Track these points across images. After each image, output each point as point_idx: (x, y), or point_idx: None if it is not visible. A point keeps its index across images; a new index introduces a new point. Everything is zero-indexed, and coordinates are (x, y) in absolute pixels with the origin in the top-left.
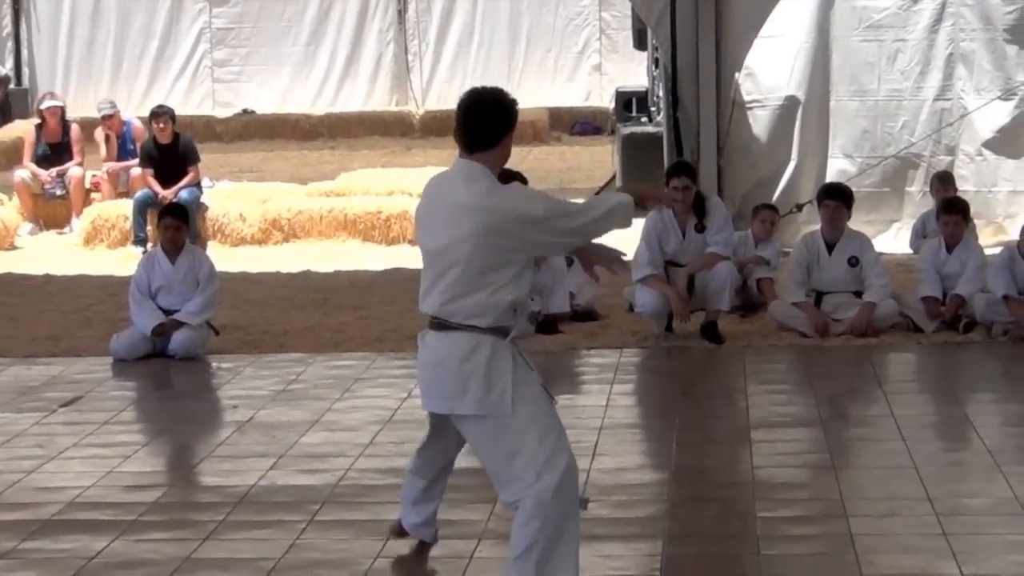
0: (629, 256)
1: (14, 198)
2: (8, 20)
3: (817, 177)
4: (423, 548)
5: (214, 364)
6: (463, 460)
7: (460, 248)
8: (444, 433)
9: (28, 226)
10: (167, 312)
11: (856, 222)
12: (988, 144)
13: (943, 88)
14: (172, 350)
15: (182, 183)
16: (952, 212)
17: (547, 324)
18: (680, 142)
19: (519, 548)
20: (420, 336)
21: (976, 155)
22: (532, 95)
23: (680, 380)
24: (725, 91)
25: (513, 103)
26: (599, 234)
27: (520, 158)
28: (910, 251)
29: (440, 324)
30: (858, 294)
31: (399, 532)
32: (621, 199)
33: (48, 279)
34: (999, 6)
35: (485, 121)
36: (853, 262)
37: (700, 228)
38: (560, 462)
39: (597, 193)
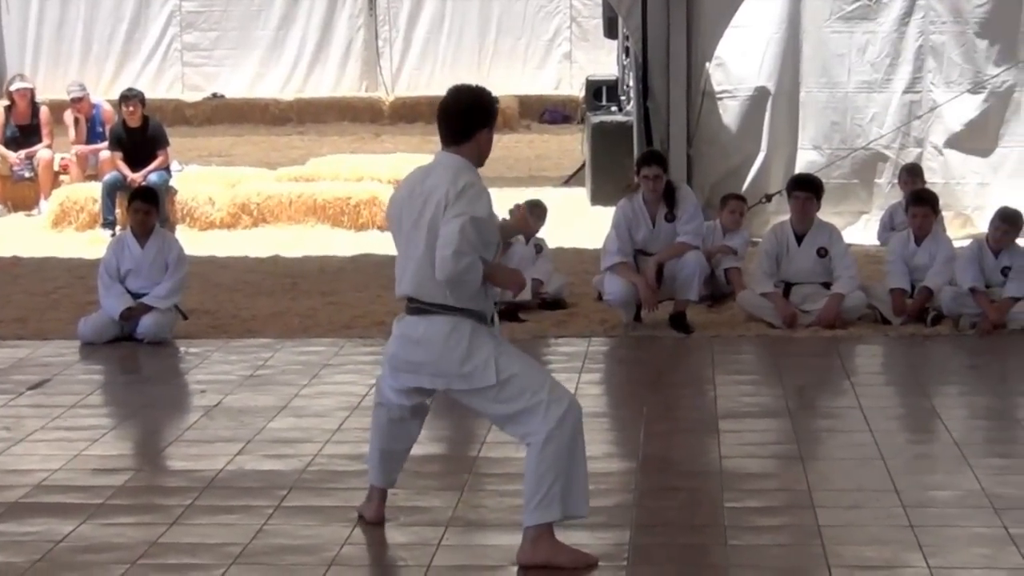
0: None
1: None
2: None
3: (786, 168)
4: (391, 534)
5: (182, 348)
6: (430, 447)
7: (422, 229)
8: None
9: None
10: (135, 296)
11: (825, 213)
12: (957, 137)
13: (913, 81)
14: (140, 334)
15: (151, 167)
16: (921, 204)
17: (509, 312)
18: (650, 131)
19: (540, 488)
20: (397, 320)
21: (945, 148)
22: (502, 82)
23: (648, 369)
24: (695, 81)
25: (490, 100)
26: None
27: None
28: (878, 243)
29: (418, 308)
30: (827, 285)
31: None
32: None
33: (16, 261)
34: None
35: (460, 116)
36: (822, 253)
37: (670, 217)
38: (563, 396)
39: (567, 181)
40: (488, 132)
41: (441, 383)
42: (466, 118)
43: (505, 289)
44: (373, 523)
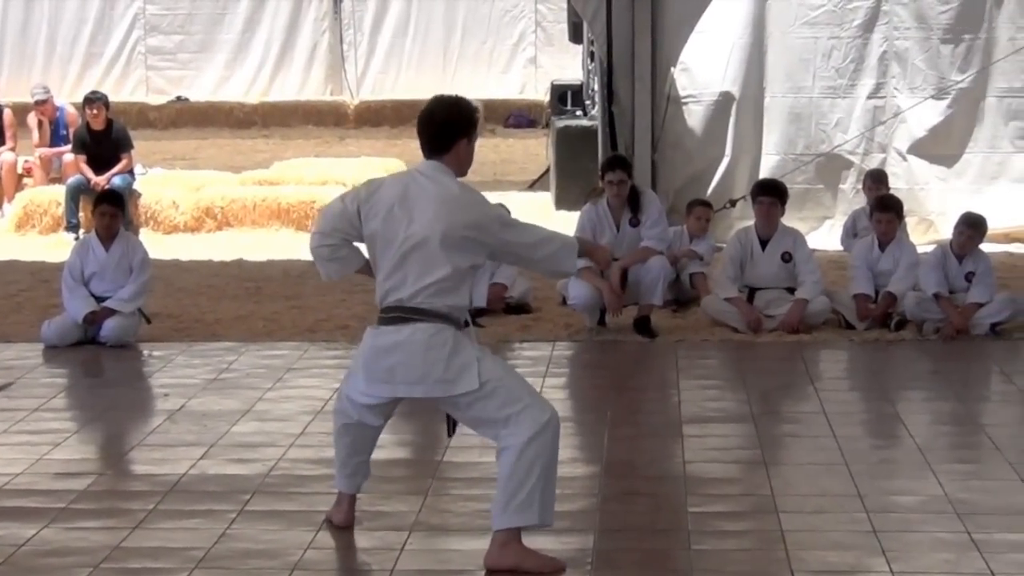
0: None
1: None
2: None
3: (751, 173)
4: (355, 539)
5: (145, 352)
6: (394, 451)
7: (435, 235)
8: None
9: None
10: (99, 299)
11: (789, 218)
12: (921, 142)
13: (877, 86)
14: (103, 337)
15: (115, 170)
16: (885, 210)
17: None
18: (615, 136)
19: (520, 491)
20: (371, 331)
21: (909, 153)
22: (467, 87)
23: (612, 374)
24: (660, 86)
25: (470, 111)
26: (550, 261)
27: None
28: (842, 248)
29: (398, 317)
30: (791, 290)
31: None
32: (569, 239)
33: None
34: (934, 5)
35: (440, 126)
36: (786, 258)
37: (634, 222)
38: (546, 404)
39: (531, 185)
40: (468, 143)
41: (420, 390)
42: (446, 129)
43: (597, 264)
44: (342, 527)
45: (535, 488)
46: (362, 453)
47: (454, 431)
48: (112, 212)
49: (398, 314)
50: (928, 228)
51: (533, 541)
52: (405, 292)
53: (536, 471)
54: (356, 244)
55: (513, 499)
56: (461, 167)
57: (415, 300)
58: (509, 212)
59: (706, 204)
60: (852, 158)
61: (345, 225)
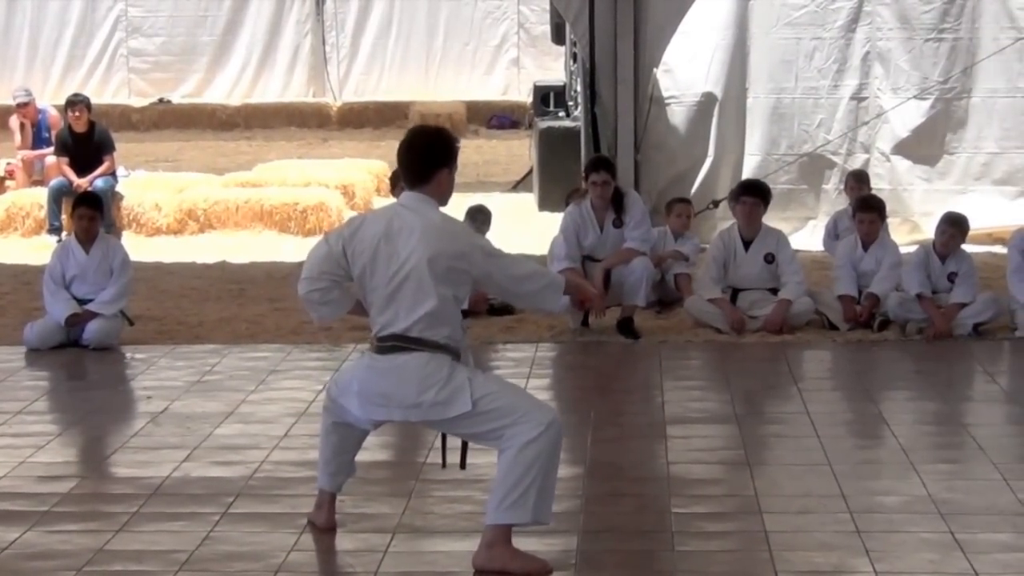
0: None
1: None
2: None
3: (734, 173)
4: (338, 541)
5: (128, 354)
6: (377, 453)
7: (421, 267)
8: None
9: None
10: (81, 302)
11: (772, 219)
12: (904, 143)
13: (860, 87)
14: (86, 340)
15: (97, 172)
16: (868, 210)
17: None
18: (597, 137)
19: (516, 488)
20: (368, 356)
21: (892, 154)
22: (449, 88)
23: (596, 375)
24: (643, 87)
25: (449, 141)
26: (533, 298)
27: None
28: (823, 250)
29: (395, 346)
30: (774, 291)
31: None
32: (556, 277)
33: None
34: (916, 5)
35: (418, 157)
36: (769, 259)
37: (618, 223)
38: (548, 408)
39: (515, 186)
40: (448, 173)
41: (415, 415)
42: (425, 159)
43: (586, 303)
44: (325, 530)
45: (531, 487)
46: (347, 452)
47: (446, 463)
48: (91, 215)
49: (396, 343)
50: (911, 229)
51: (520, 542)
52: (399, 326)
53: (534, 471)
54: (345, 285)
55: (507, 496)
56: (443, 197)
57: (411, 332)
58: (490, 215)
59: (685, 201)
60: (835, 158)
61: (332, 267)
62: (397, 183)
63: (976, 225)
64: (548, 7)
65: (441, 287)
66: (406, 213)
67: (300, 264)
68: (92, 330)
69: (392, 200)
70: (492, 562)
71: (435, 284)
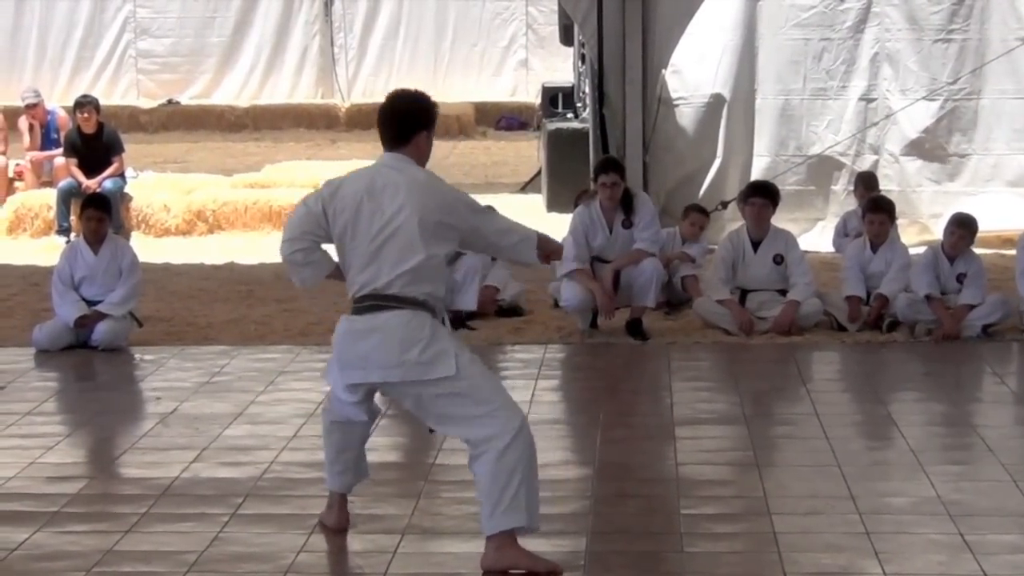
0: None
1: None
2: None
3: (742, 174)
4: (347, 542)
5: (137, 355)
6: (386, 454)
7: (410, 222)
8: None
9: None
10: (90, 303)
11: (780, 220)
12: (913, 144)
13: (868, 88)
14: (95, 341)
15: (106, 173)
16: (877, 211)
17: (456, 321)
18: (606, 138)
19: (505, 494)
20: (346, 318)
21: (901, 155)
22: (458, 89)
23: (605, 376)
24: (651, 88)
25: (429, 104)
26: (512, 250)
27: (445, 152)
28: (833, 250)
29: (375, 305)
30: (783, 292)
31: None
32: (530, 232)
33: None
34: (925, 6)
35: (399, 119)
36: (778, 260)
37: (627, 224)
38: (518, 409)
39: (523, 187)
40: (428, 135)
41: (396, 374)
42: (405, 121)
43: (552, 256)
44: (336, 530)
45: (519, 492)
46: (349, 450)
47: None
48: (99, 216)
49: (373, 302)
50: (921, 230)
51: (525, 544)
52: (380, 281)
53: (517, 476)
54: (325, 247)
55: (499, 504)
56: (421, 159)
57: (391, 288)
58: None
59: (702, 211)
60: (844, 160)
61: (313, 227)
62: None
63: (986, 227)
64: (556, 8)
65: (431, 243)
66: (389, 171)
67: None
68: (101, 331)
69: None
70: (501, 561)
71: (423, 240)
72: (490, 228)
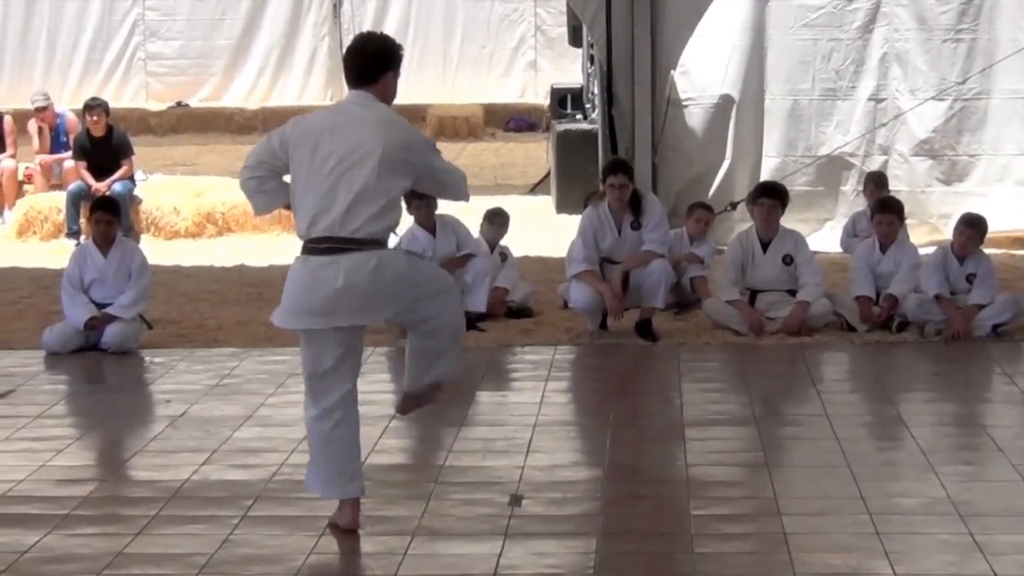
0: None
1: None
2: None
3: (751, 175)
4: (357, 544)
5: (147, 358)
6: (396, 456)
7: (370, 159)
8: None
9: None
10: (100, 305)
11: (790, 220)
12: (922, 144)
13: (878, 88)
14: (105, 344)
15: (115, 176)
16: (887, 212)
17: (466, 322)
18: (615, 139)
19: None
20: (301, 260)
21: (911, 155)
22: (467, 91)
23: (614, 377)
24: (660, 89)
25: (396, 47)
26: (455, 188)
27: (454, 154)
28: (841, 250)
29: (333, 247)
30: (792, 293)
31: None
32: (463, 173)
33: None
34: (934, 6)
35: (368, 57)
36: (787, 261)
37: (636, 225)
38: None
39: (532, 189)
40: (394, 76)
41: (362, 319)
42: (374, 61)
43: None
44: (348, 531)
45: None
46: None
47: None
48: (107, 219)
49: (331, 244)
50: (930, 231)
51: (535, 544)
52: (334, 217)
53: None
54: (283, 179)
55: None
56: (387, 98)
57: (347, 229)
58: (508, 218)
59: (706, 207)
60: (853, 160)
61: (270, 158)
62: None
63: (996, 227)
64: (565, 9)
65: (388, 178)
66: (355, 108)
67: None
68: (111, 334)
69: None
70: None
71: (383, 175)
72: (440, 167)
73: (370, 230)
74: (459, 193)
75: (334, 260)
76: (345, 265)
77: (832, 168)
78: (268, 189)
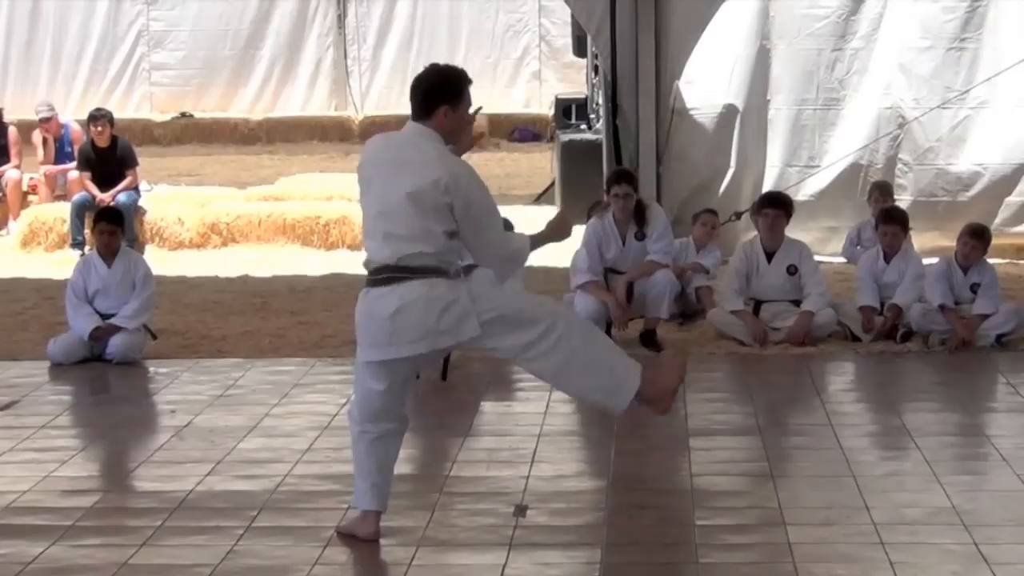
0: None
1: None
2: None
3: (756, 185)
4: (362, 554)
5: (152, 368)
6: (401, 466)
7: (406, 198)
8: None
9: None
10: (105, 316)
11: (794, 230)
12: (927, 153)
13: (882, 97)
14: (109, 354)
15: (120, 186)
16: (891, 222)
17: None
18: (619, 149)
19: (611, 372)
20: (364, 293)
21: (915, 164)
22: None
23: None
24: (664, 99)
25: (456, 79)
26: (508, 261)
27: None
28: (844, 259)
29: (391, 277)
30: (796, 303)
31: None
32: (520, 258)
33: None
34: (938, 15)
35: (422, 91)
36: (792, 271)
37: (640, 236)
38: (555, 311)
39: (537, 199)
40: (451, 110)
41: (423, 346)
42: (425, 95)
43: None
44: (368, 540)
45: (614, 368)
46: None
47: (446, 376)
48: (111, 230)
49: (389, 274)
50: (934, 240)
51: (541, 554)
52: (388, 251)
53: (602, 360)
54: None
55: (607, 387)
56: (447, 134)
57: (400, 260)
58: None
59: (712, 212)
60: (857, 170)
61: None
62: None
63: (1001, 237)
64: (570, 20)
65: (428, 218)
66: (404, 144)
67: (322, 278)
68: (115, 344)
69: None
70: (656, 391)
71: (420, 215)
72: (487, 229)
73: (420, 262)
74: (502, 272)
75: (391, 289)
76: (402, 291)
77: (837, 178)
78: None
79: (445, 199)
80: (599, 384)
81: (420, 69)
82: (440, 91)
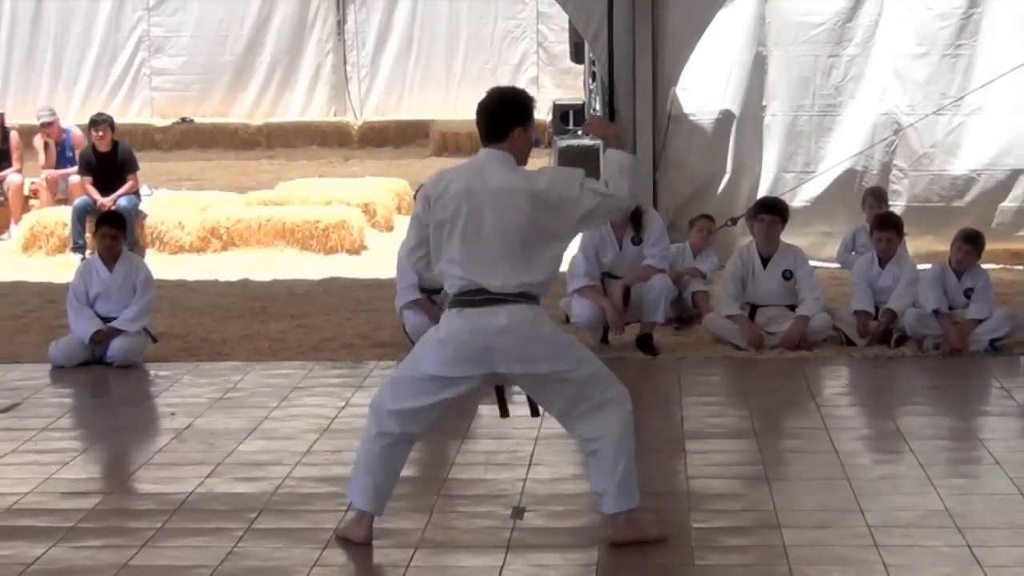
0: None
1: None
2: None
3: (751, 191)
4: (360, 556)
5: (152, 371)
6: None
7: (512, 225)
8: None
9: None
10: (106, 319)
11: (789, 236)
12: (922, 159)
13: (877, 103)
14: (110, 357)
15: (121, 191)
16: (885, 228)
17: None
18: None
19: (629, 475)
20: (457, 312)
21: (910, 170)
22: (469, 107)
23: None
24: (661, 105)
25: (524, 100)
26: (627, 190)
27: None
28: (838, 264)
29: (489, 299)
30: (792, 307)
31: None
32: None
33: None
34: (933, 21)
35: (493, 114)
36: (787, 276)
37: (637, 240)
38: (624, 392)
39: None
40: (524, 131)
41: (520, 368)
42: (498, 118)
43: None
44: (362, 543)
45: (631, 472)
46: (392, 470)
47: (538, 412)
48: (113, 234)
49: (486, 296)
50: (929, 245)
51: (538, 556)
52: (484, 279)
53: (631, 458)
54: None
55: (623, 485)
56: (519, 156)
57: (502, 287)
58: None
59: (708, 217)
60: (852, 175)
61: (424, 231)
62: None
63: (994, 243)
64: (567, 26)
65: (535, 246)
66: (487, 175)
67: (321, 282)
68: (116, 347)
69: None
70: (631, 533)
71: (525, 246)
72: (588, 198)
73: (525, 290)
74: (620, 203)
75: (492, 311)
76: (506, 316)
77: (832, 183)
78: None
79: (552, 224)
80: (622, 478)
81: (419, 74)
82: (513, 114)
